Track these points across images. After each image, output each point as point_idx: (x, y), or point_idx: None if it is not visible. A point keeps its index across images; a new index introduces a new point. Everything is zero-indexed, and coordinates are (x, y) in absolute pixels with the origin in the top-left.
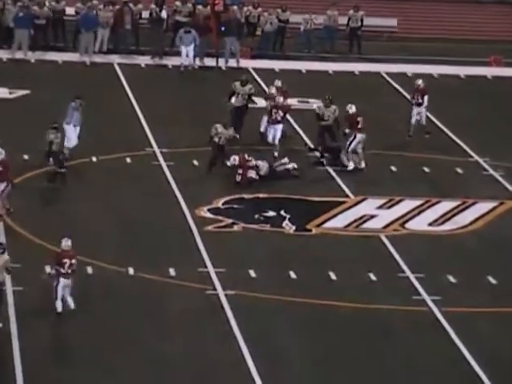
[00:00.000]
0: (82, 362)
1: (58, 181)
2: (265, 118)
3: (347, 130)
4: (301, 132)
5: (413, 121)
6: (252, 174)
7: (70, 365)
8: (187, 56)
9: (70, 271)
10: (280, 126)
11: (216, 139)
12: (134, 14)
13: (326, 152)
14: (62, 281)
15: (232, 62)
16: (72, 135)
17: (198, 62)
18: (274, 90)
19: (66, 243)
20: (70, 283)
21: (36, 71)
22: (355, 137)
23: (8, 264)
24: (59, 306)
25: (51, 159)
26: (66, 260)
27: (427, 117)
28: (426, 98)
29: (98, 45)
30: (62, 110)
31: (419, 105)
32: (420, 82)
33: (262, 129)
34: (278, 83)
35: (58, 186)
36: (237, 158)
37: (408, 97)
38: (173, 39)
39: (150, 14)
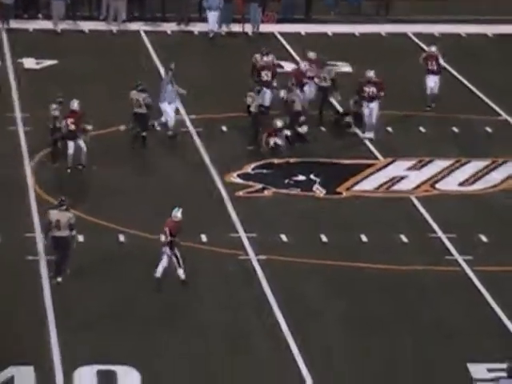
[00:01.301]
0: (119, 327)
1: (137, 143)
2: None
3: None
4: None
5: (428, 91)
6: (279, 140)
7: (105, 324)
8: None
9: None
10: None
11: (253, 108)
12: None
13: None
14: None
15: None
16: (170, 113)
17: (224, 28)
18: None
19: (177, 214)
20: (176, 253)
21: (63, 41)
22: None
23: (72, 221)
24: (158, 272)
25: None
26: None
27: (455, 77)
28: (440, 62)
29: (112, 12)
30: (88, 79)
31: (435, 72)
32: (433, 48)
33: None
34: (311, 54)
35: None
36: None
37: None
38: (199, 4)
39: None
